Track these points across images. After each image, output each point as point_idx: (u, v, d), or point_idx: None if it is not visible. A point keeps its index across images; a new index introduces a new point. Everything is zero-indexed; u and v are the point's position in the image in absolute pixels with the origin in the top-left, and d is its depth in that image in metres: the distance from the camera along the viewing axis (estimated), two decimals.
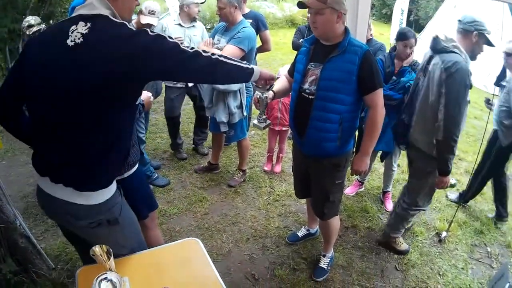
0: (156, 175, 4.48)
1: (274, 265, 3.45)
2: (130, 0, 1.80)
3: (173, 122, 5.05)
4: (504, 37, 12.01)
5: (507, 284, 2.08)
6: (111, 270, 1.63)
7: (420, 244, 3.92)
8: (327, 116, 2.66)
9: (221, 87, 3.98)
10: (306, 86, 2.72)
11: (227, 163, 5.13)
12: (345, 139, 2.77)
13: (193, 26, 4.70)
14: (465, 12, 12.00)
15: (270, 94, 2.69)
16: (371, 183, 4.98)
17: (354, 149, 3.49)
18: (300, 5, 2.66)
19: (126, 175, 2.40)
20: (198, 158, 5.19)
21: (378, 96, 2.65)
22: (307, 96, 2.72)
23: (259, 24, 4.95)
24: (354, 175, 3.43)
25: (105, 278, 1.58)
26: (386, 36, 12.69)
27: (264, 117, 2.78)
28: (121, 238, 1.94)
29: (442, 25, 10.81)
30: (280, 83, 2.98)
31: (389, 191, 4.58)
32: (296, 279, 3.32)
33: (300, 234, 3.80)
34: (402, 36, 3.90)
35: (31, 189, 4.15)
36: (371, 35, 4.66)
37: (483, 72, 10.94)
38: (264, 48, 5.20)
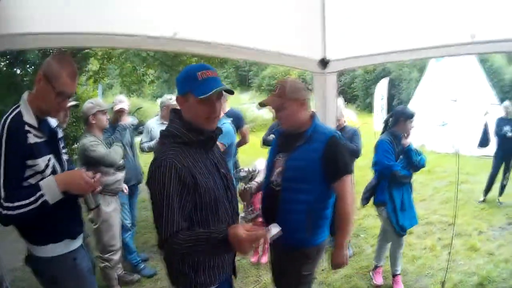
0: (143, 265, 4.60)
1: None
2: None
3: None
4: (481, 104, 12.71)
5: None
6: None
7: None
8: (294, 207, 2.56)
9: None
10: (273, 177, 2.68)
11: None
12: (315, 230, 2.65)
13: None
14: (443, 84, 12.62)
15: (253, 184, 2.76)
16: (360, 263, 5.02)
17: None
18: (262, 105, 2.71)
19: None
20: None
21: (345, 184, 2.57)
22: (274, 187, 2.66)
23: (238, 121, 5.32)
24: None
25: None
26: (369, 125, 13.14)
27: (250, 208, 2.81)
28: None
29: (422, 102, 11.36)
30: (263, 174, 2.92)
31: (399, 274, 4.39)
32: None
33: None
34: (410, 115, 4.16)
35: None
36: (344, 121, 4.95)
37: (466, 136, 11.41)
38: (242, 142, 5.63)
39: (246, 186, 2.71)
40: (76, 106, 3.73)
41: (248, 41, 3.35)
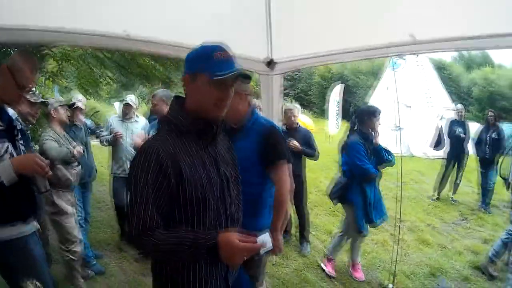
0: (95, 261, 4.50)
1: None
2: None
3: (121, 212, 5.13)
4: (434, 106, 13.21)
5: None
6: None
7: None
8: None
9: None
10: None
11: None
12: (259, 218, 2.69)
13: (136, 121, 5.11)
14: (398, 90, 13.08)
15: None
16: (310, 258, 5.00)
17: None
18: None
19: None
20: None
21: (281, 170, 2.62)
22: None
23: None
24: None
25: None
26: (324, 130, 13.29)
27: None
28: None
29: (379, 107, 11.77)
30: None
31: (359, 262, 4.53)
32: None
33: None
34: (374, 112, 4.20)
35: None
36: (297, 123, 5.00)
37: (420, 139, 11.88)
38: None
39: None
40: (44, 103, 3.69)
41: (197, 41, 3.36)
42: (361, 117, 4.22)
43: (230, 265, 1.71)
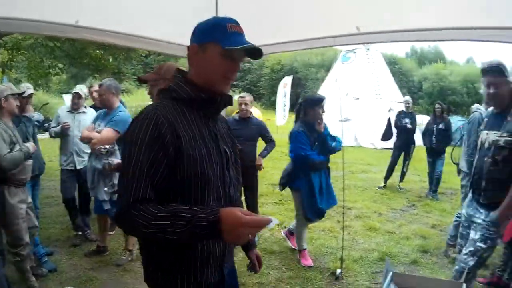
0: (46, 258, 4.40)
1: None
2: None
3: (69, 205, 5.12)
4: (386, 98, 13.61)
5: (390, 273, 2.26)
6: None
7: (317, 286, 4.01)
8: None
9: (100, 166, 4.07)
10: None
11: (115, 246, 5.05)
12: None
13: (84, 112, 5.06)
14: (345, 84, 13.51)
15: (113, 160, 2.82)
16: (258, 246, 5.04)
17: None
18: (140, 80, 2.84)
19: None
20: (89, 244, 5.09)
21: None
22: None
23: None
24: None
25: None
26: (272, 121, 13.42)
27: (110, 183, 2.90)
28: None
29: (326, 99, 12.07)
30: None
31: (305, 248, 4.57)
32: None
33: None
34: (317, 100, 4.29)
35: None
36: (250, 112, 5.02)
37: (368, 131, 12.24)
38: None
39: (106, 161, 2.88)
40: None
41: (149, 32, 3.44)
42: (305, 106, 4.31)
43: (235, 243, 1.57)
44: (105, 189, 4.01)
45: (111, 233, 5.15)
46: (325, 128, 4.31)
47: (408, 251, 4.96)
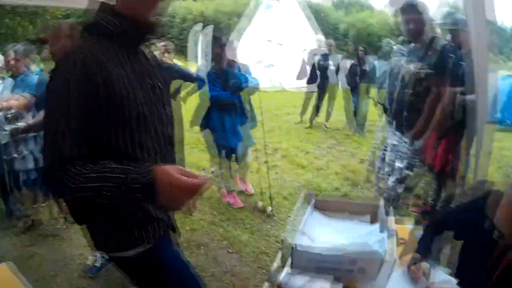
0: None
1: None
2: None
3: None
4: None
5: (311, 200, 2.26)
6: None
7: (249, 226, 4.08)
8: None
9: None
10: None
11: (50, 217, 4.83)
12: None
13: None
14: (267, 30, 13.54)
15: (20, 125, 2.96)
16: None
17: None
18: (40, 40, 2.85)
19: None
20: (25, 221, 4.82)
21: None
22: None
23: None
24: None
25: None
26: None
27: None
28: None
29: (250, 47, 12.09)
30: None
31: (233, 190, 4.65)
32: None
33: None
34: (220, 39, 4.20)
35: None
36: (171, 60, 5.03)
37: (292, 75, 12.48)
38: None
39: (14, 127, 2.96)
40: None
41: None
42: (213, 48, 4.27)
43: (172, 206, 1.35)
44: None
45: (43, 204, 4.90)
46: (238, 69, 4.30)
47: (337, 185, 5.15)
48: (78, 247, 4.14)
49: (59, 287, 3.52)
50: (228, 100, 4.17)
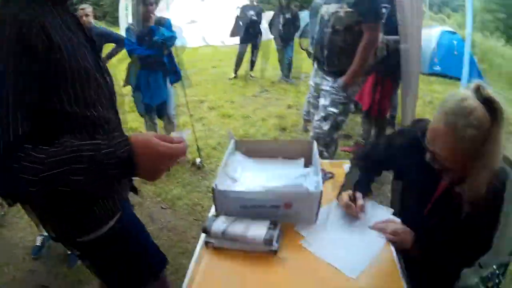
0: None
1: None
2: None
3: None
4: None
5: (232, 140, 2.20)
6: None
7: (180, 180, 4.01)
8: None
9: None
10: None
11: None
12: None
13: None
14: None
15: None
16: None
17: None
18: None
19: None
20: None
21: None
22: None
23: None
24: None
25: None
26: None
27: None
28: None
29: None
30: None
31: None
32: None
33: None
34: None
35: None
36: (90, 22, 4.60)
37: (216, 30, 12.26)
38: None
39: None
40: None
41: None
42: (136, 7, 4.14)
43: (153, 177, 1.04)
44: None
45: None
46: (156, 23, 4.11)
47: (265, 131, 5.18)
48: (18, 232, 3.78)
49: (8, 275, 3.20)
50: (150, 57, 4.02)
